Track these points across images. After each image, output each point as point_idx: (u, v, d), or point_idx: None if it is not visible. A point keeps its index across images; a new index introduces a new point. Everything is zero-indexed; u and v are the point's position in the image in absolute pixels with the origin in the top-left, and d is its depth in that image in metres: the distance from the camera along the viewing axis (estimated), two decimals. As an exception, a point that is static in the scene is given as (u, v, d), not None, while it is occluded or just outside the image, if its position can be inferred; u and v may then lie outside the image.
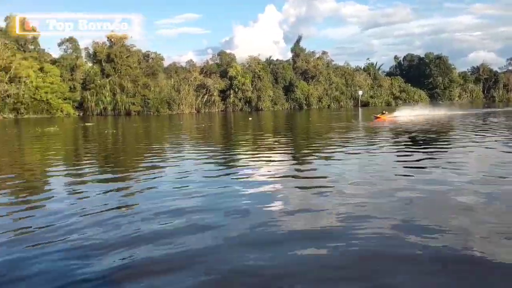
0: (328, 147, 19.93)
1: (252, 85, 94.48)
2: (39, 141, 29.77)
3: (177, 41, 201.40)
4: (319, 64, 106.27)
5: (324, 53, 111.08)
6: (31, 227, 7.92)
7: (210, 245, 6.63)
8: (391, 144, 20.97)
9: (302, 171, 13.44)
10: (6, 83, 75.74)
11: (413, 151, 17.74)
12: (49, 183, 13.21)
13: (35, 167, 17.35)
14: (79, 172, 15.04)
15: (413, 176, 11.87)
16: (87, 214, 8.61)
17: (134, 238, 7.07)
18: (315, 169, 13.69)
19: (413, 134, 25.39)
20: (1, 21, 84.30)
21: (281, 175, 12.65)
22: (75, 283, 5.39)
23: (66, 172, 15.22)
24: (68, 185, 12.45)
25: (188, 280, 5.43)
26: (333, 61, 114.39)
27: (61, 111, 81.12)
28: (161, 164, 16.04)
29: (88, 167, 16.09)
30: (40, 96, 78.62)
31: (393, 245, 6.52)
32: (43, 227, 7.78)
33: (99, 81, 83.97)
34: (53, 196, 10.74)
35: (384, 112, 44.22)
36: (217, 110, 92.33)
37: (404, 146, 19.62)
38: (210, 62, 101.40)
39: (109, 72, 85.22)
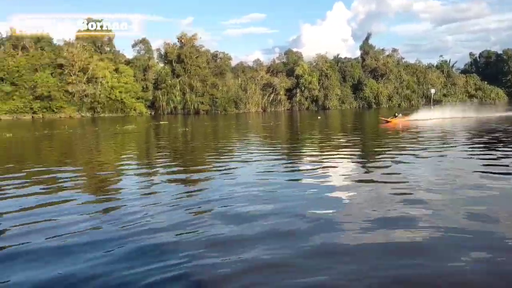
0: (402, 147, 18.77)
1: (319, 83, 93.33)
2: (121, 138, 31.01)
3: (244, 41, 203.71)
4: (389, 61, 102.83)
5: (394, 50, 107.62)
6: (108, 215, 8.44)
7: (275, 243, 6.54)
8: (470, 145, 19.25)
9: (376, 173, 12.33)
10: (84, 83, 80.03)
11: (493, 153, 15.86)
12: (132, 175, 13.68)
13: (118, 161, 18.13)
14: (158, 166, 15.62)
15: (497, 181, 10.56)
16: (161, 204, 9.09)
17: (200, 221, 7.63)
18: (389, 172, 12.42)
19: (496, 135, 23.32)
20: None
21: (354, 178, 11.76)
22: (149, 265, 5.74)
23: (146, 167, 15.82)
24: (149, 176, 13.22)
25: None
26: (403, 58, 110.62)
27: (134, 110, 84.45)
28: (231, 161, 16.02)
29: (165, 162, 16.69)
30: (115, 96, 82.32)
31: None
32: (119, 217, 8.24)
33: (170, 81, 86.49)
34: (132, 188, 11.31)
35: (396, 114, 37.58)
36: (283, 109, 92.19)
37: (483, 148, 17.77)
38: (277, 61, 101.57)
39: (179, 72, 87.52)
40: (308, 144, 23.00)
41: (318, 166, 13.92)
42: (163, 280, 5.26)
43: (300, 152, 19.55)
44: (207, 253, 6.12)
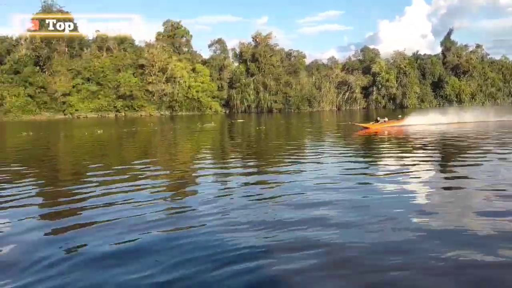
0: (484, 149, 17.24)
1: (397, 81, 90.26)
2: (203, 135, 31.66)
3: (319, 39, 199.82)
4: (473, 58, 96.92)
5: (478, 46, 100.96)
6: (183, 207, 8.87)
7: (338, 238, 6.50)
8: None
9: (461, 175, 11.48)
10: (163, 83, 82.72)
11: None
12: (214, 170, 14.28)
13: (202, 155, 19.22)
14: (235, 162, 16.32)
15: None
16: (232, 197, 9.50)
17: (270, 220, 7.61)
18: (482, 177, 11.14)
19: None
20: (160, 25, 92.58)
21: (435, 182, 10.98)
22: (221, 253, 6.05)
23: (225, 163, 16.26)
24: (227, 175, 13.23)
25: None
26: (488, 54, 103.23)
27: (210, 109, 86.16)
28: (306, 159, 15.87)
29: (243, 159, 17.16)
30: (192, 95, 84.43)
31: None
32: (194, 209, 8.65)
33: (244, 80, 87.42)
34: (212, 181, 12.02)
35: (378, 119, 30.54)
36: (358, 108, 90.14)
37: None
38: (353, 59, 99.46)
39: (254, 71, 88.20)
40: (389, 144, 21.59)
41: (398, 169, 13.02)
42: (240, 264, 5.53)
43: (380, 152, 18.49)
44: (284, 249, 6.12)
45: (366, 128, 29.47)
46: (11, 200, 9.79)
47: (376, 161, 15.69)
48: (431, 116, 34.71)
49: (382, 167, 13.92)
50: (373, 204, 8.49)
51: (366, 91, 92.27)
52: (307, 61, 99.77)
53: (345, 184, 10.56)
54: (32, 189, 11.31)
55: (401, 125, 31.30)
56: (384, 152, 18.57)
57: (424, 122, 32.32)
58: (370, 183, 10.86)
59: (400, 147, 19.90)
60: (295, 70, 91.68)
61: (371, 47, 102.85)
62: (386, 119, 30.65)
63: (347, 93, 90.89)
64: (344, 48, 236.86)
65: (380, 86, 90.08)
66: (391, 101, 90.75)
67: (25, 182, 12.13)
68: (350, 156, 17.00)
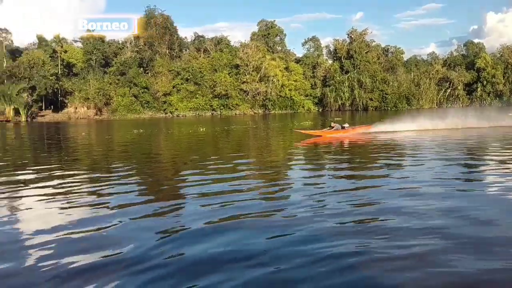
0: None
1: (504, 77, 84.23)
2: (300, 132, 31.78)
3: (418, 33, 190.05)
4: None
5: None
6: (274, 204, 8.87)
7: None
8: None
9: None
10: (257, 82, 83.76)
11: None
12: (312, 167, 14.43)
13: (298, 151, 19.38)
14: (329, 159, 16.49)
15: None
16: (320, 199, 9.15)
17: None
18: None
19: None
20: (254, 25, 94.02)
21: None
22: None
23: (321, 159, 16.56)
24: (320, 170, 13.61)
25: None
26: None
27: (303, 107, 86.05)
28: (404, 158, 15.57)
29: (339, 155, 17.54)
30: (285, 93, 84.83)
31: None
32: (287, 202, 8.95)
33: (338, 78, 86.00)
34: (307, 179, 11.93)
35: (332, 125, 25.60)
36: (461, 105, 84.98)
37: None
38: (455, 54, 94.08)
39: (348, 68, 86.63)
40: (496, 146, 19.46)
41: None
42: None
43: (484, 154, 16.89)
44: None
45: (319, 136, 25.18)
46: (125, 192, 10.54)
47: (476, 165, 14.36)
48: (402, 122, 29.21)
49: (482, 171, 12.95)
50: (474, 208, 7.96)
51: (469, 88, 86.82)
52: (405, 57, 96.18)
53: (447, 185, 10.10)
54: (152, 176, 12.81)
55: (367, 132, 26.77)
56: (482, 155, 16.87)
57: (397, 129, 27.53)
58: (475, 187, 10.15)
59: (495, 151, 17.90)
60: (392, 66, 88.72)
61: (476, 41, 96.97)
62: (346, 125, 26.12)
63: (449, 90, 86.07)
64: (446, 43, 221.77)
65: (485, 82, 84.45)
66: (497, 98, 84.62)
67: (148, 172, 13.74)
68: (454, 158, 15.30)
